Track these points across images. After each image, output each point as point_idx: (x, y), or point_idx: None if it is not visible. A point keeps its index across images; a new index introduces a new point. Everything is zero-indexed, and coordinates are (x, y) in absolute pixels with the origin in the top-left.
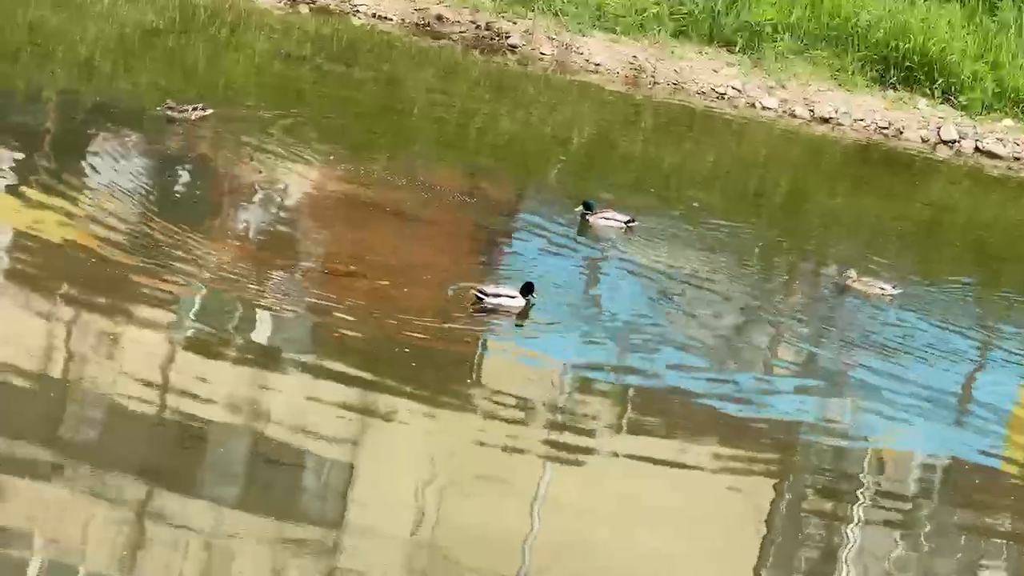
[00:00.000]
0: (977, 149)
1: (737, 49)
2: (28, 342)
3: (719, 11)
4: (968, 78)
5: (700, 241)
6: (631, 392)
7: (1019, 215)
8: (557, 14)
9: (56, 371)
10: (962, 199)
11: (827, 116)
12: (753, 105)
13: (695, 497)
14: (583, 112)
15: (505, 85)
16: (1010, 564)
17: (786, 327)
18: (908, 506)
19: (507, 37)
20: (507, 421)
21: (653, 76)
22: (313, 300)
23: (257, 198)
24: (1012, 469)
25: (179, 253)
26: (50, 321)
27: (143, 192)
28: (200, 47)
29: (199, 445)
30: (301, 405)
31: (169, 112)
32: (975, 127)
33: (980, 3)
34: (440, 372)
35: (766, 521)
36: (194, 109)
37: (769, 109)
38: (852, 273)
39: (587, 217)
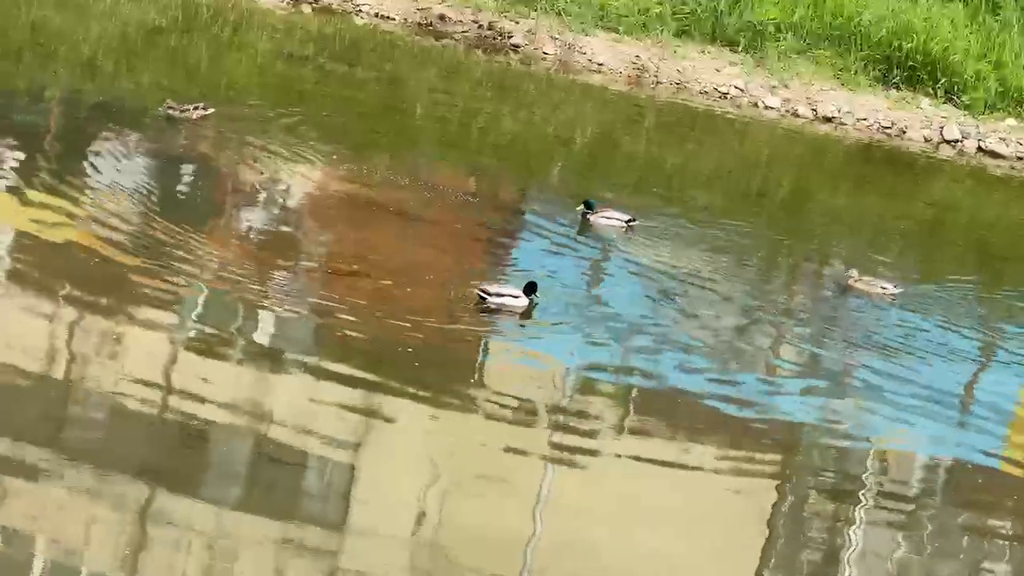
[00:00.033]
0: (980, 149)
1: (740, 48)
2: (30, 342)
3: (722, 11)
4: (971, 77)
5: (702, 241)
6: (633, 393)
7: (1022, 215)
8: (560, 14)
9: (58, 371)
10: (965, 199)
11: (830, 115)
12: (756, 105)
13: (696, 497)
14: (585, 112)
15: (508, 85)
16: (1013, 565)
17: (788, 327)
18: (910, 507)
19: (510, 37)
20: (509, 421)
21: (656, 76)
22: (315, 300)
23: (259, 198)
24: (1014, 469)
25: (181, 253)
26: (52, 321)
27: (145, 192)
28: (203, 47)
29: (201, 445)
30: (303, 405)
31: (170, 112)
32: (978, 127)
33: (983, 2)
34: (443, 372)
35: (768, 522)
36: (195, 108)
37: (772, 109)
38: (853, 272)
39: (588, 216)
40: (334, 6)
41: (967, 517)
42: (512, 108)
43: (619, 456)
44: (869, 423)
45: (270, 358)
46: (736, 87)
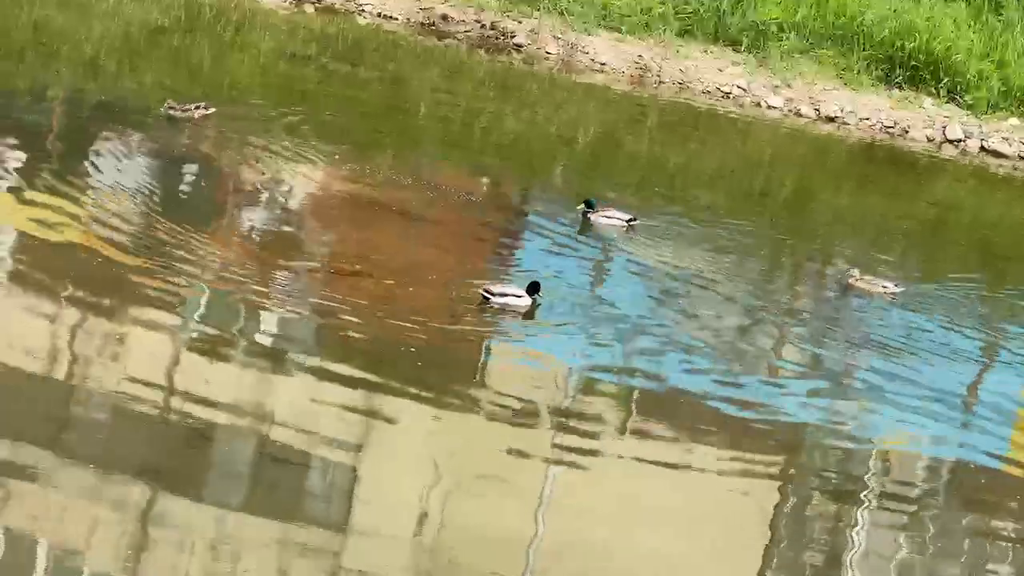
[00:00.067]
0: (983, 148)
1: (742, 48)
2: (32, 342)
3: (724, 10)
4: (973, 77)
5: (705, 240)
6: (635, 393)
7: None
8: (562, 13)
9: (60, 371)
10: (967, 198)
11: (832, 115)
12: (758, 104)
13: (698, 498)
14: (588, 111)
15: (510, 84)
16: (1016, 566)
17: (791, 327)
18: (913, 508)
19: (512, 36)
20: (511, 422)
21: (658, 75)
22: (318, 300)
23: (261, 198)
24: (1017, 470)
25: (183, 253)
26: (54, 321)
27: (147, 192)
28: (205, 46)
29: (204, 445)
30: (306, 405)
31: (171, 112)
32: (980, 126)
33: (985, 2)
34: (445, 372)
35: (770, 522)
36: (197, 108)
37: (774, 108)
38: (855, 272)
39: (589, 215)
40: (337, 6)
41: (970, 518)
42: (515, 108)
43: (621, 457)
44: (871, 423)
45: (272, 358)
46: (739, 87)
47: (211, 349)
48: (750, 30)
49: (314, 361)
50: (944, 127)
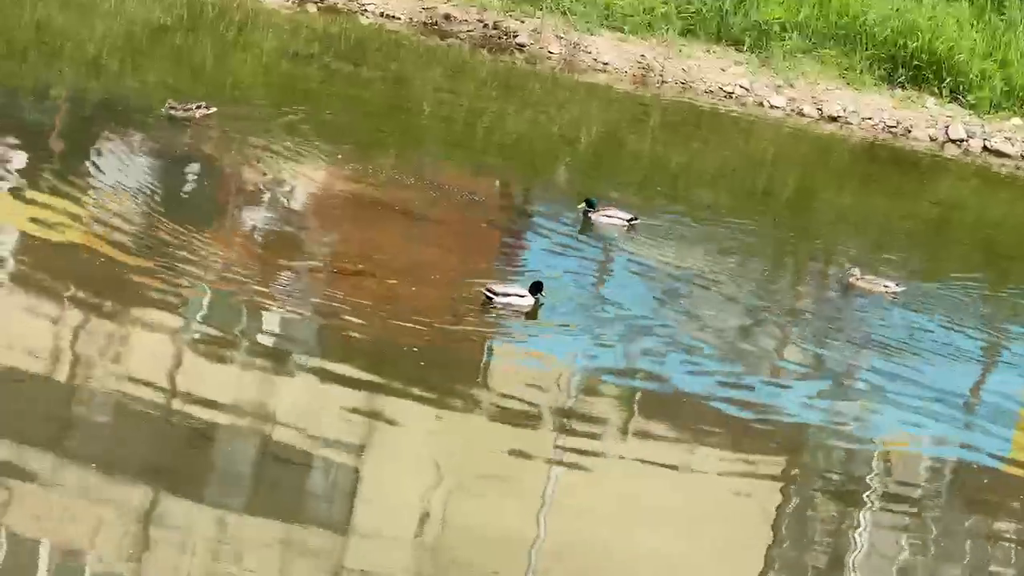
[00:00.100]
0: (985, 148)
1: (745, 48)
2: (34, 342)
3: (727, 10)
4: (976, 77)
5: (707, 240)
6: (637, 394)
7: None
8: (565, 13)
9: (62, 372)
10: (970, 198)
11: (835, 115)
12: (761, 104)
13: (701, 499)
14: (591, 111)
15: (513, 84)
16: (1019, 568)
17: (793, 327)
18: (915, 508)
19: (515, 36)
20: (514, 422)
21: (661, 75)
22: (321, 300)
23: (264, 198)
24: (1020, 471)
25: (185, 253)
26: (56, 322)
27: (149, 192)
28: (208, 45)
29: (206, 445)
30: (308, 405)
31: (172, 112)
32: (983, 126)
33: (988, 1)
34: (448, 372)
35: (772, 523)
36: (198, 108)
37: (777, 108)
38: (855, 271)
39: (589, 215)
40: (339, 5)
41: (972, 519)
42: (517, 107)
43: (623, 457)
44: (873, 424)
45: (274, 358)
46: (741, 86)
47: (213, 349)
48: (753, 30)
49: (316, 361)
50: (947, 127)
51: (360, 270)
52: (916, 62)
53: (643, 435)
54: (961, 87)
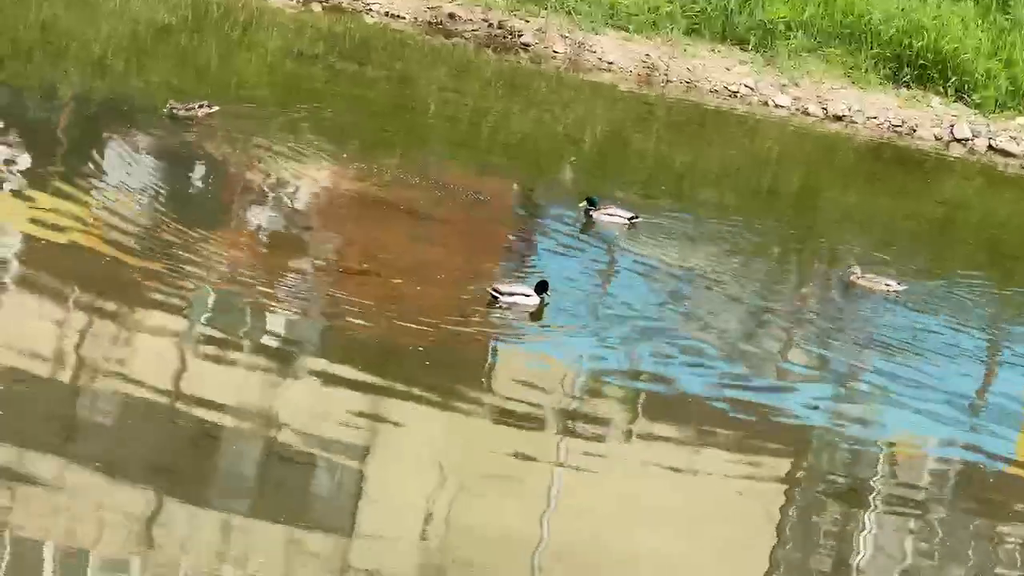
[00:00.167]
0: (990, 147)
1: (750, 47)
2: (39, 344)
3: (732, 9)
4: (981, 76)
5: (712, 239)
6: (642, 395)
7: None
8: (570, 12)
9: (67, 373)
10: (975, 197)
11: (840, 114)
12: (766, 103)
13: (706, 500)
14: (595, 110)
15: (517, 83)
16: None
17: (797, 328)
18: (920, 510)
19: (520, 35)
20: (518, 423)
21: (666, 74)
22: (326, 299)
23: (268, 198)
24: None
25: (190, 255)
26: (61, 323)
27: (154, 192)
28: (212, 45)
29: (212, 446)
30: (313, 406)
31: (174, 112)
32: (988, 125)
33: (993, 1)
34: (453, 372)
35: (777, 524)
36: (200, 107)
37: (782, 107)
38: (856, 269)
39: (591, 213)
40: (344, 5)
41: (978, 520)
42: (522, 107)
43: (627, 458)
44: (878, 425)
45: (279, 359)
46: (746, 85)
47: (217, 350)
48: (757, 29)
49: (321, 362)
50: (952, 126)
51: (365, 270)
52: (921, 61)
53: (647, 436)
54: (966, 86)
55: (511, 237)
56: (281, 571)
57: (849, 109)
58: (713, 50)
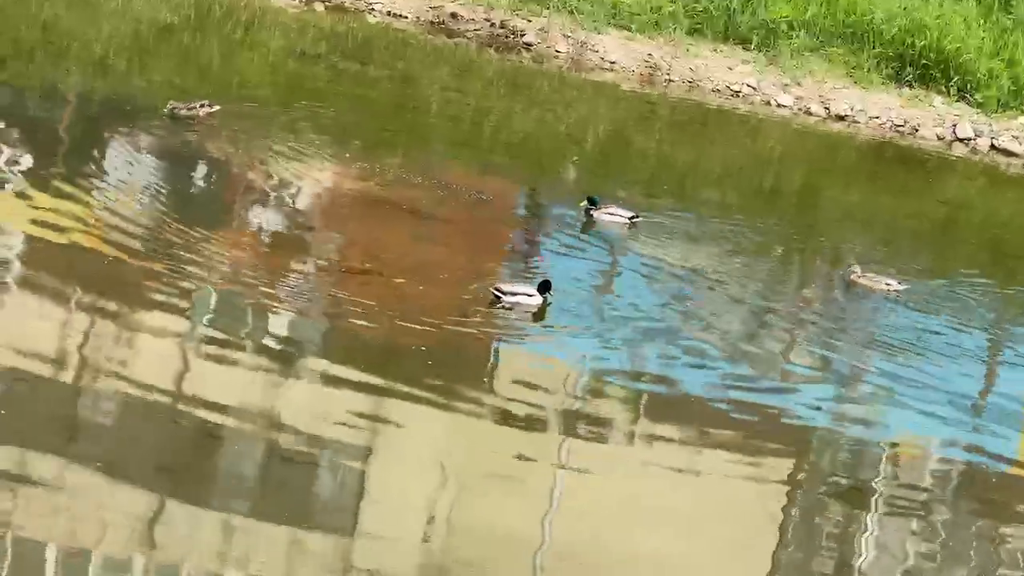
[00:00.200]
0: (993, 147)
1: (752, 47)
2: (41, 344)
3: (734, 9)
4: (984, 75)
5: (714, 239)
6: (644, 395)
7: None
8: (572, 12)
9: (69, 373)
10: (978, 197)
11: (842, 114)
12: (768, 103)
13: (708, 501)
14: (598, 110)
15: (520, 83)
16: None
17: (799, 327)
18: (923, 510)
19: (522, 35)
20: (520, 423)
21: (668, 74)
22: (328, 299)
23: (271, 197)
24: None
25: (192, 255)
26: (63, 324)
27: (155, 192)
28: (214, 45)
29: (214, 446)
30: (315, 406)
31: (175, 111)
32: (991, 125)
33: (995, 0)
34: (455, 372)
35: (779, 525)
36: (201, 106)
37: (784, 107)
38: (856, 268)
39: (591, 212)
40: (347, 4)
41: (981, 521)
42: (524, 106)
43: (629, 459)
44: (881, 426)
45: (282, 359)
46: (749, 85)
47: (220, 350)
48: (760, 28)
49: (323, 362)
50: (954, 125)
51: (367, 270)
52: (924, 61)
53: (649, 437)
54: (968, 86)
55: (513, 237)
56: (283, 571)
57: (851, 109)
58: (715, 50)
